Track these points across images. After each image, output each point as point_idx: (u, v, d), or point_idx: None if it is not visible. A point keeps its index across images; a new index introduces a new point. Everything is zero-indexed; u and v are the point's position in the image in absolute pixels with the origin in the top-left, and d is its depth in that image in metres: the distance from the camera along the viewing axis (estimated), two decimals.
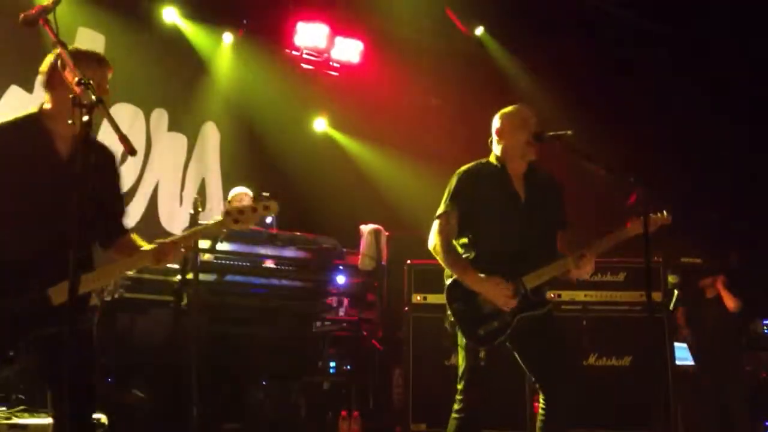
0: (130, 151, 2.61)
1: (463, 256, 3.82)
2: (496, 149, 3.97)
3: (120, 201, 3.33)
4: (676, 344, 5.70)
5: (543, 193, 3.92)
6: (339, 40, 8.85)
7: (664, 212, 3.80)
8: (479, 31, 9.34)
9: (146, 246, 3.17)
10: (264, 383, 6.02)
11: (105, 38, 7.75)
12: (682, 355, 7.39)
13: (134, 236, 3.26)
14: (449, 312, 3.79)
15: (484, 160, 4.00)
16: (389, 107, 9.24)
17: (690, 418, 5.84)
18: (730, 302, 7.00)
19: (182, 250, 3.20)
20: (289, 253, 5.76)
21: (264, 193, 3.43)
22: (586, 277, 3.84)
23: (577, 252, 3.75)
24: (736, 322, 7.10)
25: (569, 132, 3.78)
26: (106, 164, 3.24)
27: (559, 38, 8.53)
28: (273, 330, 5.72)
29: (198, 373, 4.89)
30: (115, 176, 3.29)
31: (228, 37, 8.66)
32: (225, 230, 3.36)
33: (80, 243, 2.57)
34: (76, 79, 2.66)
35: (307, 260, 5.85)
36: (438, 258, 3.82)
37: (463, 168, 3.96)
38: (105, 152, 3.26)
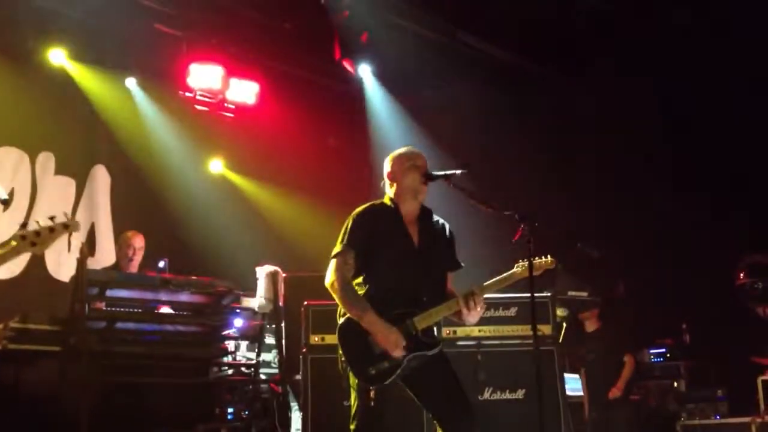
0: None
1: None
2: (390, 191, 4.07)
3: None
4: (567, 375, 5.88)
5: (435, 236, 4.03)
6: (234, 82, 8.82)
7: (548, 257, 3.97)
8: (365, 73, 9.44)
9: None
10: None
11: None
12: (574, 386, 7.62)
13: None
14: (341, 352, 3.81)
15: (378, 202, 4.09)
16: (286, 148, 9.26)
17: None
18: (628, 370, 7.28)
19: None
20: (183, 297, 5.65)
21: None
22: (477, 319, 3.92)
23: (467, 291, 3.84)
24: (619, 354, 7.38)
25: (458, 171, 3.92)
26: None
27: (450, 81, 8.80)
28: (168, 377, 5.57)
29: (89, 426, 4.70)
30: None
31: (118, 79, 8.52)
32: (21, 254, 3.08)
33: None
34: None
35: (201, 304, 5.76)
36: (335, 296, 3.85)
37: (359, 209, 4.03)
38: None
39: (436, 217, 4.12)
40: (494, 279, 3.96)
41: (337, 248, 3.92)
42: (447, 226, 4.14)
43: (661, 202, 8.77)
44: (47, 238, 3.06)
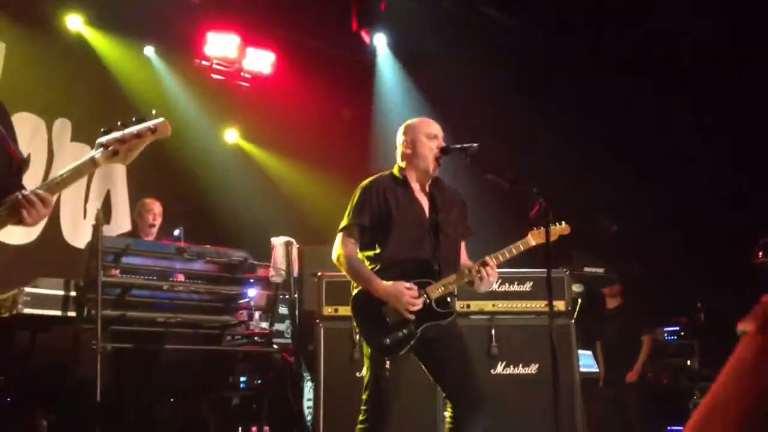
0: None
1: (369, 268, 3.85)
2: (401, 161, 4.02)
3: (16, 156, 2.84)
4: (581, 352, 5.86)
5: (446, 204, 3.99)
6: (250, 51, 8.78)
7: (563, 222, 3.93)
8: (380, 43, 9.34)
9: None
10: (172, 400, 5.88)
11: (5, 46, 7.50)
12: (587, 362, 7.61)
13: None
14: (355, 323, 3.82)
15: (386, 173, 4.06)
16: (301, 119, 9.22)
17: (593, 424, 6.01)
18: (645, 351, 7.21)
19: (43, 203, 2.56)
20: (198, 266, 5.66)
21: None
22: (489, 287, 3.92)
23: (479, 261, 3.84)
24: (638, 331, 7.34)
25: (474, 144, 3.87)
26: None
27: (465, 50, 8.69)
28: (181, 345, 5.60)
29: (102, 391, 4.74)
30: (11, 127, 2.87)
31: (135, 46, 8.49)
32: (100, 166, 2.53)
33: None
34: None
35: (216, 273, 5.77)
36: (342, 270, 3.86)
37: (366, 181, 4.01)
38: None
39: (447, 186, 4.07)
40: (508, 247, 3.94)
41: (344, 222, 3.92)
42: (459, 194, 4.11)
43: (678, 179, 8.68)
44: (133, 145, 2.53)
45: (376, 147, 8.82)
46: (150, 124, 2.58)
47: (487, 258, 3.83)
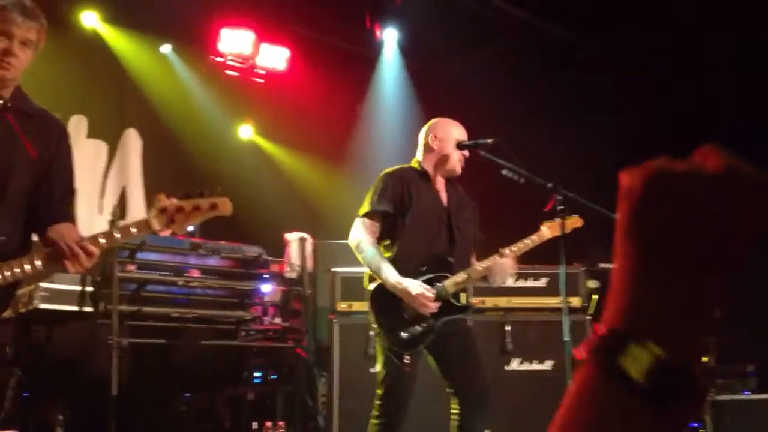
0: None
1: (386, 257, 3.85)
2: (423, 157, 4.02)
3: (65, 183, 2.79)
4: None
5: (461, 205, 4.02)
6: (264, 47, 8.78)
7: (576, 216, 3.93)
8: (389, 38, 9.30)
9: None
10: (187, 395, 5.91)
11: None
12: None
13: (70, 226, 2.58)
14: (372, 317, 3.81)
15: (407, 165, 4.06)
16: (315, 114, 9.22)
17: None
18: None
19: (88, 255, 2.49)
20: (213, 262, 5.69)
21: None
22: (505, 280, 3.90)
23: (497, 254, 3.83)
24: None
25: (489, 140, 3.87)
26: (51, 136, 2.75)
27: (477, 46, 8.66)
28: (196, 341, 5.63)
29: (117, 386, 4.77)
30: (64, 152, 2.80)
31: (150, 42, 8.51)
32: (153, 230, 2.54)
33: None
34: None
35: (231, 269, 5.79)
36: (359, 256, 3.82)
37: (389, 170, 4.00)
38: (50, 123, 2.78)
39: (460, 187, 4.11)
40: (523, 240, 3.93)
41: (365, 208, 3.89)
42: (470, 198, 4.13)
43: None
44: (190, 216, 2.57)
45: (390, 143, 8.81)
46: (212, 200, 2.60)
47: (503, 249, 3.83)
